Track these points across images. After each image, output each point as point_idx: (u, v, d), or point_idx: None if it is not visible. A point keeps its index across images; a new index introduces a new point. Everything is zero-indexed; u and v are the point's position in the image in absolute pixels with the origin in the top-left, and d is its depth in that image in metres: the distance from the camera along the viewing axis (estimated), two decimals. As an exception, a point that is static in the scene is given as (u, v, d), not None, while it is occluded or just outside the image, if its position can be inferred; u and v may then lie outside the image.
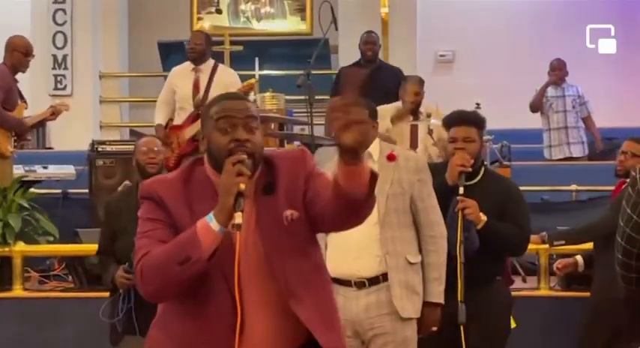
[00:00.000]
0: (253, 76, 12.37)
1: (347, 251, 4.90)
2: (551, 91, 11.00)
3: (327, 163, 4.40)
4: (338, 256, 4.87)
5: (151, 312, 5.52)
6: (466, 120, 5.47)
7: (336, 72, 10.90)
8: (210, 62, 9.12)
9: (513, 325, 5.70)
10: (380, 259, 4.90)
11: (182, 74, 9.09)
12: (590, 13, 12.21)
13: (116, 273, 5.67)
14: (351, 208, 2.96)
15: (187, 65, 9.15)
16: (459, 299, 5.10)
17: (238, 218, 2.93)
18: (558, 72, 11.00)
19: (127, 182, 7.91)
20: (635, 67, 12.81)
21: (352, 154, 2.86)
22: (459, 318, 5.09)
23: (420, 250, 5.00)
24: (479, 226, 5.24)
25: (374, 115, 4.99)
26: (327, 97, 9.97)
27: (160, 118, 9.01)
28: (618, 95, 12.75)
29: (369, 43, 10.30)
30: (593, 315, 6.31)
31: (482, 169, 5.47)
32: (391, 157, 4.98)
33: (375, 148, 4.99)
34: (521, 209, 5.48)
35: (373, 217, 4.73)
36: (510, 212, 5.38)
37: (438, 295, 4.99)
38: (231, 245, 3.01)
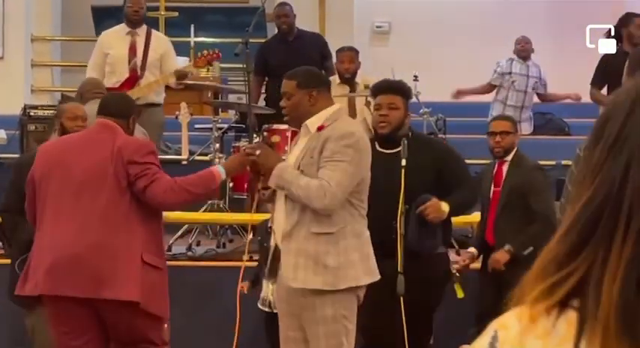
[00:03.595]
0: (188, 43, 12.27)
1: (276, 223, 4.97)
2: (515, 66, 10.99)
3: None
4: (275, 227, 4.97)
5: None
6: (391, 88, 5.61)
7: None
8: (144, 27, 9.01)
9: (461, 295, 5.77)
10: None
11: (116, 37, 8.96)
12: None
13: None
14: None
15: (121, 28, 9.01)
16: (398, 270, 5.13)
17: None
18: (524, 45, 11.01)
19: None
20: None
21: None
22: (398, 289, 5.13)
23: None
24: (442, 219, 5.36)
25: (305, 84, 4.94)
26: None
27: (92, 81, 8.87)
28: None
29: (282, 16, 9.82)
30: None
31: (403, 141, 5.48)
32: (319, 128, 4.93)
33: (314, 120, 4.93)
34: (459, 165, 5.63)
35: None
36: (452, 171, 5.51)
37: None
38: None
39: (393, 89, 5.62)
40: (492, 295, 5.81)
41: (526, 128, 10.88)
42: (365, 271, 4.86)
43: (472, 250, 6.51)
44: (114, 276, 4.93)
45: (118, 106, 5.42)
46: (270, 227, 6.01)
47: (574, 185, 1.20)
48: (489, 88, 11.09)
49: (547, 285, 1.13)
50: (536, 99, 11.25)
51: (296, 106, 4.93)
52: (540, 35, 13.01)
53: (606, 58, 9.14)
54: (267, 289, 6.23)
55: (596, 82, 8.94)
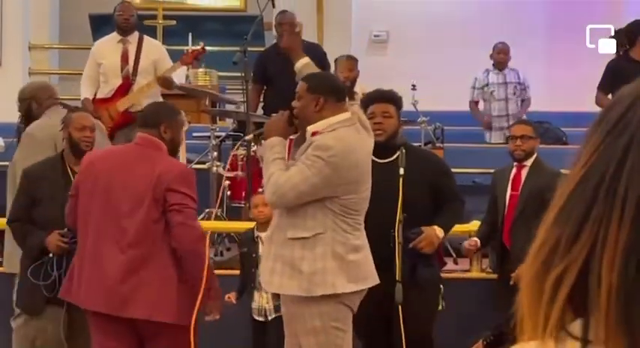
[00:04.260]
0: (186, 51, 12.26)
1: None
2: (492, 76, 10.95)
3: None
4: None
5: None
6: (384, 97, 5.66)
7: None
8: (136, 34, 9.00)
9: (440, 307, 5.76)
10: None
11: (108, 46, 8.95)
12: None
13: (49, 238, 5.70)
14: None
15: (113, 37, 9.00)
16: (396, 279, 5.12)
17: None
18: (503, 55, 10.98)
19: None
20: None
21: None
22: (396, 298, 5.12)
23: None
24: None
25: (314, 89, 4.95)
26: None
27: (87, 92, 8.86)
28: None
29: (284, 24, 9.63)
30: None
31: (401, 150, 5.50)
32: (313, 134, 4.94)
33: (316, 127, 4.92)
34: (453, 180, 5.70)
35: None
36: (445, 187, 5.55)
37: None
38: None
39: (385, 98, 5.67)
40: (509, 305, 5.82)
41: None
42: (349, 279, 4.81)
43: (476, 239, 6.55)
44: (143, 296, 5.07)
45: (148, 116, 5.51)
46: (258, 237, 6.04)
47: (572, 165, 1.18)
48: (474, 105, 11.08)
49: (552, 280, 1.09)
50: (532, 108, 11.23)
51: (303, 108, 4.96)
52: (540, 40, 13.05)
53: (613, 63, 9.16)
54: (262, 298, 6.24)
55: (603, 88, 8.95)
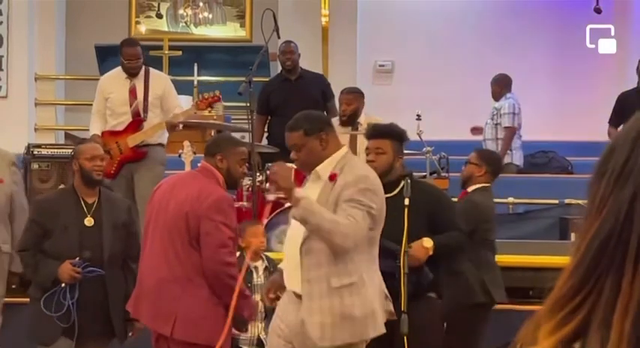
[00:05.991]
0: (192, 82, 12.32)
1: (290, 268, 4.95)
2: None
3: None
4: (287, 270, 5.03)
5: (92, 311, 5.67)
6: (378, 132, 5.60)
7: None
8: (142, 67, 9.00)
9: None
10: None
11: (116, 81, 8.93)
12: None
13: (61, 267, 5.79)
14: None
15: (119, 72, 8.98)
16: (402, 309, 5.11)
17: None
18: (494, 87, 10.96)
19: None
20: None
21: None
22: (402, 328, 5.10)
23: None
24: (430, 254, 5.35)
25: (312, 130, 4.94)
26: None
27: (96, 129, 8.85)
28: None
29: (287, 53, 9.96)
30: None
31: (406, 180, 5.47)
32: (332, 178, 4.89)
33: (325, 166, 4.93)
34: (453, 213, 5.65)
35: (297, 243, 4.79)
36: (445, 220, 5.52)
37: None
38: None
39: (379, 134, 5.62)
40: None
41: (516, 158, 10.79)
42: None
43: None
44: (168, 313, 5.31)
45: (209, 145, 5.77)
46: (255, 267, 6.04)
47: (583, 219, 1.19)
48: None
49: (554, 322, 1.11)
50: (538, 137, 11.21)
51: (309, 154, 4.89)
52: (544, 71, 13.08)
53: (623, 97, 9.17)
54: (255, 328, 6.25)
55: (612, 122, 8.96)
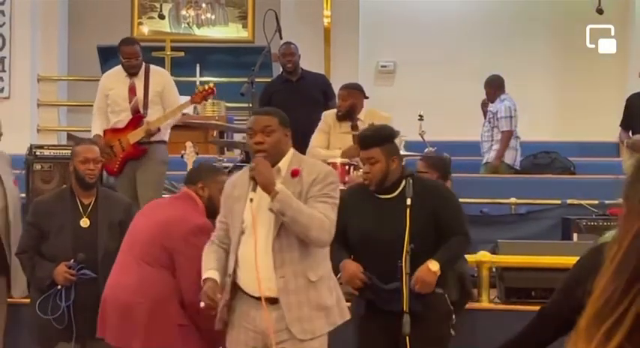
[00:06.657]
0: (194, 82, 12.32)
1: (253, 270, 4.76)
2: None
3: None
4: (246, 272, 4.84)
5: (88, 313, 5.65)
6: (364, 143, 5.43)
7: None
8: (142, 65, 8.99)
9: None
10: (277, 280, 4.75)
11: (116, 78, 8.92)
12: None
13: (56, 269, 5.80)
14: None
15: (120, 69, 8.98)
16: (404, 310, 5.10)
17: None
18: (487, 89, 10.96)
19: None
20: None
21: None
22: (404, 329, 5.08)
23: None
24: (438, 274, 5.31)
25: (284, 122, 4.90)
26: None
27: (97, 128, 8.83)
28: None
29: (288, 55, 9.98)
30: None
31: (407, 180, 5.41)
32: (294, 173, 4.83)
33: (284, 163, 4.87)
34: (457, 212, 5.53)
35: (269, 239, 4.73)
36: (448, 219, 5.41)
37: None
38: None
39: (368, 143, 5.41)
40: None
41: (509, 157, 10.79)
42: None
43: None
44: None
45: (191, 172, 5.85)
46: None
47: (618, 224, 1.15)
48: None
49: (603, 331, 1.09)
50: (540, 138, 11.21)
51: (277, 143, 4.82)
52: (546, 74, 13.08)
53: (631, 99, 9.18)
54: None
55: (623, 125, 8.99)
